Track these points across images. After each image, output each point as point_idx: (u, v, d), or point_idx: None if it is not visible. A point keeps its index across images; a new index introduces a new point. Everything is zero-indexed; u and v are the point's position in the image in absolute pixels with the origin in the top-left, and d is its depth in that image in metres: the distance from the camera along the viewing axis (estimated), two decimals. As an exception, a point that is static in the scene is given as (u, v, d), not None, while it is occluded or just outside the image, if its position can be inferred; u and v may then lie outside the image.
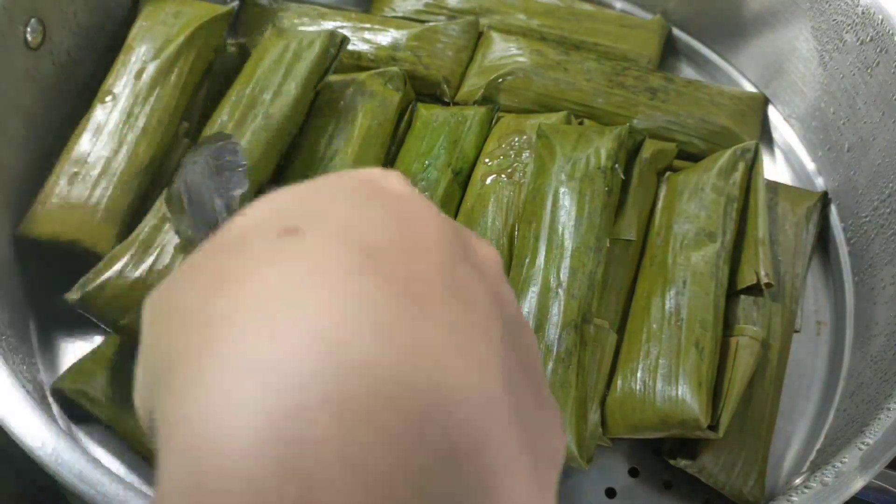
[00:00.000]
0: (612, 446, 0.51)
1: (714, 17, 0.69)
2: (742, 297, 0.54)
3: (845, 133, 0.60)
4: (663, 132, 0.63)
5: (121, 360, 0.51)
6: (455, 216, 0.58)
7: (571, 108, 0.63)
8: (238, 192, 0.43)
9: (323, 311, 0.18)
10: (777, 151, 0.67)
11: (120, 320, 0.48)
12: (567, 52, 0.66)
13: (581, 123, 0.62)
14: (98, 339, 0.54)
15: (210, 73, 0.61)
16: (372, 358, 0.18)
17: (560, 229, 0.52)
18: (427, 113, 0.63)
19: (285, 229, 0.20)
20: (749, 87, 0.69)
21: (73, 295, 0.48)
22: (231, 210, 0.42)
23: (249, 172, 0.46)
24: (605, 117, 0.63)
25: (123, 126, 0.55)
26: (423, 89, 0.65)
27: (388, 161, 0.61)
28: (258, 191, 0.52)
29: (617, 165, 0.54)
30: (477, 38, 0.68)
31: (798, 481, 0.51)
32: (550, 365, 0.48)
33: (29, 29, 0.55)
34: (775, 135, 0.67)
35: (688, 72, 0.71)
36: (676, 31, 0.72)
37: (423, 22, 0.68)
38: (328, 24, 0.66)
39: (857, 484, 0.41)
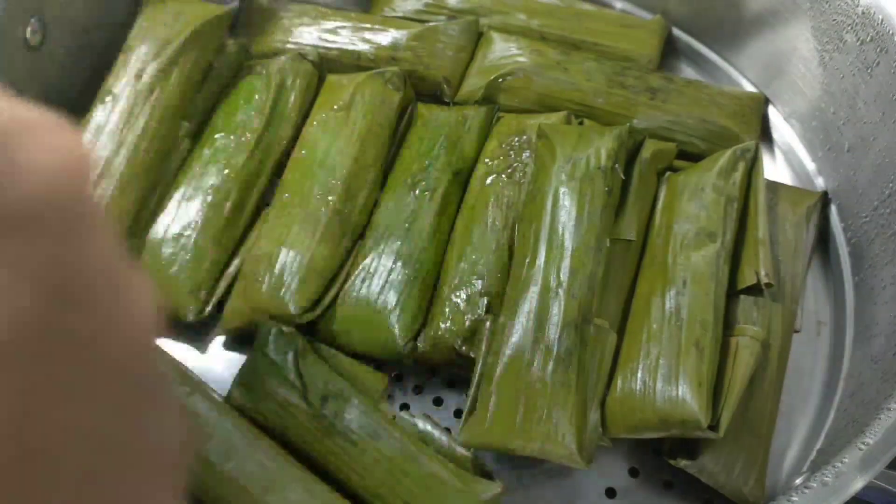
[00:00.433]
0: (612, 446, 0.51)
1: (714, 17, 0.69)
2: (742, 297, 0.54)
3: (845, 133, 0.60)
4: (663, 132, 0.63)
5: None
6: (455, 216, 0.58)
7: (571, 108, 0.63)
8: None
9: None
10: (777, 151, 0.67)
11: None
12: (567, 52, 0.66)
13: (581, 123, 0.62)
14: (98, 339, 0.54)
15: (210, 73, 0.61)
16: None
17: (560, 229, 0.52)
18: (427, 113, 0.63)
19: None
20: (749, 87, 0.69)
21: None
22: None
23: None
24: (605, 117, 0.63)
25: (123, 126, 0.55)
26: (423, 89, 0.65)
27: (388, 161, 0.61)
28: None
29: (617, 165, 0.54)
30: (477, 38, 0.68)
31: (798, 481, 0.51)
32: (550, 365, 0.48)
33: (29, 29, 0.55)
34: (775, 135, 0.67)
35: (688, 72, 0.71)
36: (676, 31, 0.72)
37: (423, 22, 0.68)
38: (328, 24, 0.66)
39: (857, 484, 0.41)
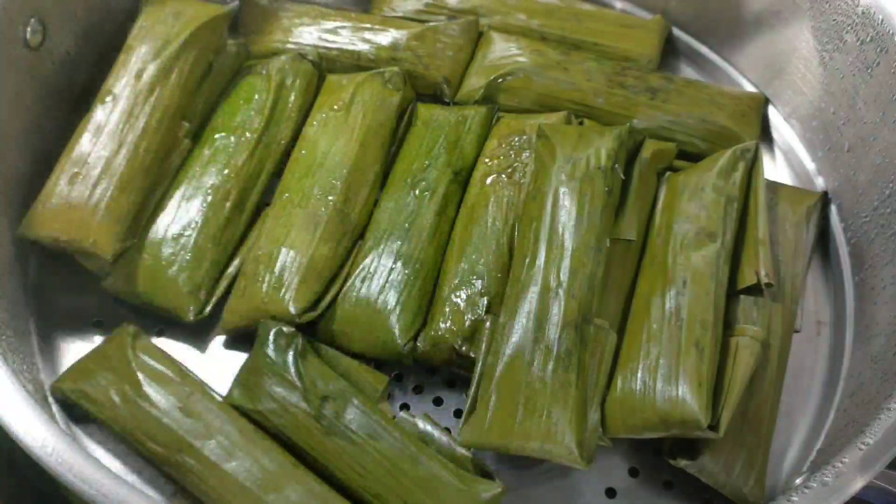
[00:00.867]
0: (612, 446, 0.51)
1: (714, 17, 0.69)
2: (742, 297, 0.54)
3: (845, 133, 0.60)
4: (663, 132, 0.63)
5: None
6: (455, 216, 0.58)
7: (571, 108, 0.63)
8: None
9: None
10: (777, 151, 0.67)
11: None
12: (567, 52, 0.66)
13: (581, 123, 0.62)
14: (98, 339, 0.55)
15: (210, 73, 0.61)
16: None
17: (560, 229, 0.52)
18: (427, 113, 0.63)
19: None
20: (749, 87, 0.69)
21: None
22: None
23: None
24: (605, 117, 0.63)
25: (124, 126, 0.55)
26: (423, 89, 0.65)
27: (388, 161, 0.61)
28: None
29: (617, 165, 0.54)
30: (477, 38, 0.68)
31: (798, 481, 0.51)
32: (550, 365, 0.48)
33: (29, 29, 0.55)
34: (775, 135, 0.67)
35: (688, 72, 0.71)
36: (676, 31, 0.72)
37: (423, 22, 0.68)
38: (328, 24, 0.66)
39: (857, 484, 0.41)
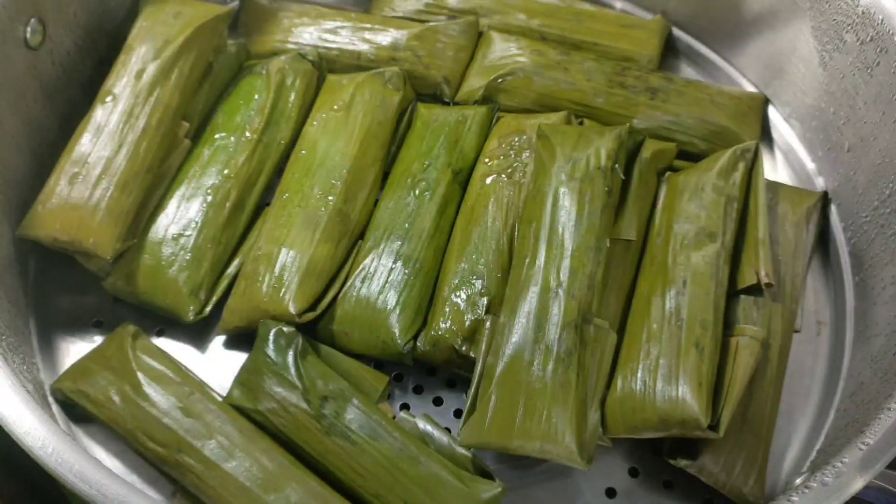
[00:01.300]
0: (611, 446, 0.51)
1: (714, 17, 0.69)
2: (742, 297, 0.54)
3: (845, 133, 0.60)
4: (663, 132, 0.63)
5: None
6: (455, 216, 0.58)
7: (571, 108, 0.63)
8: None
9: None
10: (777, 151, 0.67)
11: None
12: (567, 52, 0.66)
13: (581, 123, 0.62)
14: (98, 339, 0.55)
15: (210, 73, 0.61)
16: None
17: (560, 229, 0.52)
18: (427, 113, 0.63)
19: None
20: (749, 87, 0.69)
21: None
22: None
23: None
24: (605, 117, 0.63)
25: (124, 126, 0.55)
26: (423, 89, 0.65)
27: (388, 161, 0.61)
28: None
29: (617, 165, 0.54)
30: (477, 38, 0.68)
31: (798, 481, 0.51)
32: (550, 365, 0.48)
33: (29, 29, 0.55)
34: (775, 135, 0.67)
35: (688, 72, 0.71)
36: (676, 31, 0.72)
37: (423, 22, 0.68)
38: (328, 24, 0.66)
39: (857, 484, 0.41)
